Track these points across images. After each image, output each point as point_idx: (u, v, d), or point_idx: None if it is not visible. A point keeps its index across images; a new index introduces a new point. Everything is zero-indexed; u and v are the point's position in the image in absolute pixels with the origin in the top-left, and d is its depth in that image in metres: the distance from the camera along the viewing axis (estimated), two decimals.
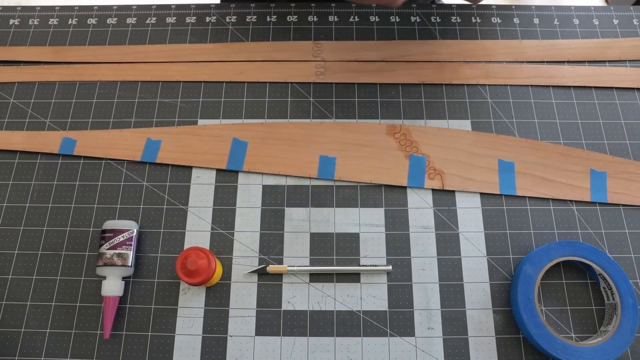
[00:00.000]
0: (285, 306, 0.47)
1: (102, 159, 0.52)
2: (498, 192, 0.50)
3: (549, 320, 0.46)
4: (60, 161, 0.53)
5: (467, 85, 0.56)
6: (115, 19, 0.60)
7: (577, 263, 0.47)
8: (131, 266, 0.47)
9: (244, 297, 0.47)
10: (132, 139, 0.53)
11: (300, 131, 0.53)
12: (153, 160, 0.52)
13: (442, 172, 0.51)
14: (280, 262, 0.48)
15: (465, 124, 0.54)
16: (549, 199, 0.50)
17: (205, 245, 0.49)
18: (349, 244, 0.49)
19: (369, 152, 0.52)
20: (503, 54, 0.57)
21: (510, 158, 0.52)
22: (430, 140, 0.53)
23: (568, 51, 0.57)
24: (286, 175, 0.51)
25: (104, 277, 0.46)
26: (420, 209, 0.50)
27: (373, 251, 0.49)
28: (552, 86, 0.55)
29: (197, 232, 0.50)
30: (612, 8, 0.61)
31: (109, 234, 0.47)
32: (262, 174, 0.51)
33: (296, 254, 0.49)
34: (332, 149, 0.52)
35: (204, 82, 0.56)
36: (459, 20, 0.60)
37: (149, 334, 0.46)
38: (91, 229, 0.50)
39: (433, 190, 0.51)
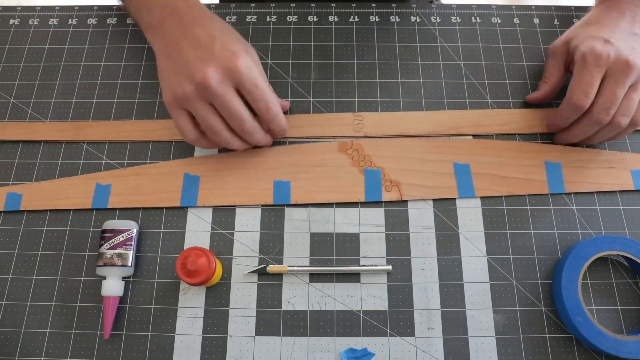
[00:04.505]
0: (285, 306, 0.47)
1: (49, 210, 0.50)
2: (457, 196, 0.50)
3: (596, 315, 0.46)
4: (60, 161, 0.53)
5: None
6: (115, 19, 0.60)
7: (618, 258, 0.48)
8: (131, 266, 0.47)
9: (244, 297, 0.47)
10: (80, 186, 0.51)
11: (252, 159, 0.52)
12: (105, 206, 0.50)
13: (399, 182, 0.51)
14: (280, 262, 0.48)
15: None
16: (548, 200, 0.50)
17: (205, 245, 0.49)
18: (349, 244, 0.49)
19: (322, 172, 0.51)
20: None
21: (465, 160, 0.52)
22: (383, 153, 0.52)
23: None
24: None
25: (104, 277, 0.46)
26: (420, 209, 0.50)
27: (373, 251, 0.49)
28: None
29: (197, 232, 0.50)
30: None
31: (109, 234, 0.47)
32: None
33: (296, 254, 0.49)
34: (286, 172, 0.51)
35: None
36: (459, 20, 0.60)
37: (149, 334, 0.46)
38: (91, 229, 0.50)
39: None
